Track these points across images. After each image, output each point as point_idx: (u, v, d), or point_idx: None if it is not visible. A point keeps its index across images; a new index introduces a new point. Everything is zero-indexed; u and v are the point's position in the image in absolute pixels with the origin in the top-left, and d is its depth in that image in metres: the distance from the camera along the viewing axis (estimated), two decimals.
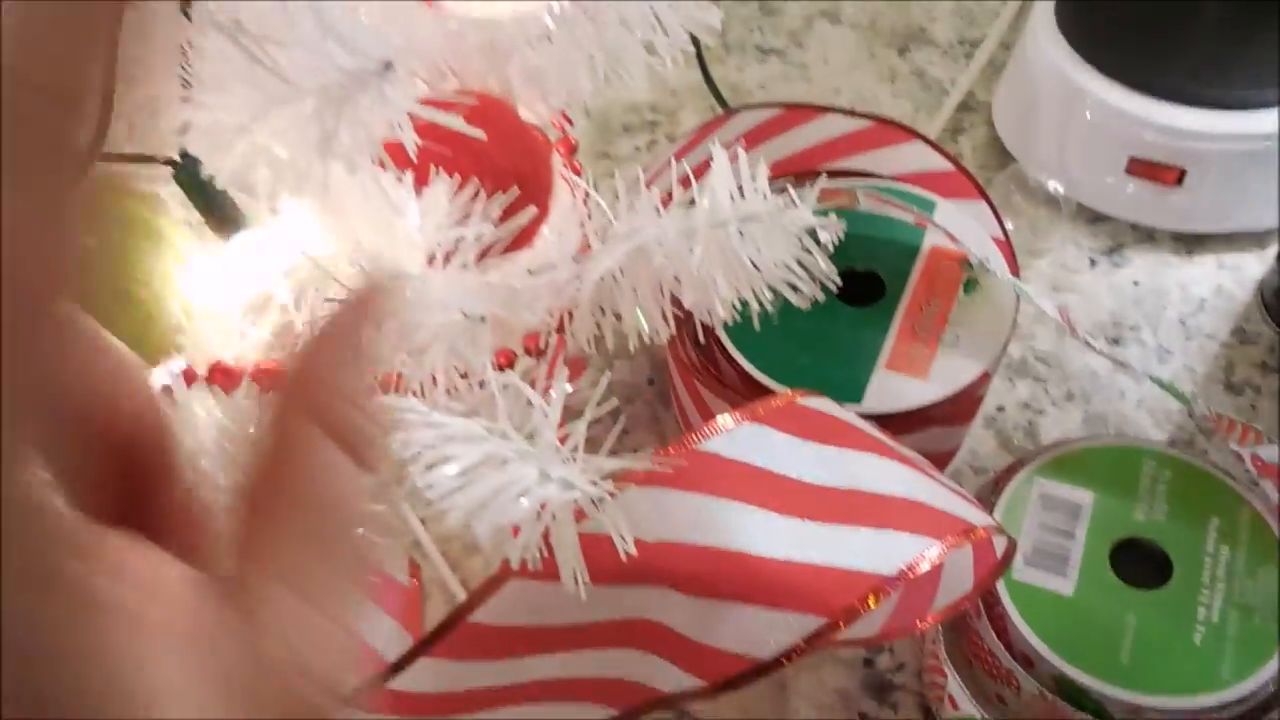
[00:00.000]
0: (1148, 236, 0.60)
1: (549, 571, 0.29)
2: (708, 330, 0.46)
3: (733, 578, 0.32)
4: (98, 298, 0.30)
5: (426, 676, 0.34)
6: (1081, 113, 0.58)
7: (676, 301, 0.36)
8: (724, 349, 0.46)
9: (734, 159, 0.33)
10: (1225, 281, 0.58)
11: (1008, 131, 0.63)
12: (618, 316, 0.36)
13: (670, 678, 0.34)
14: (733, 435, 0.34)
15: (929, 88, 0.68)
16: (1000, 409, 0.54)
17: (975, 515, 0.36)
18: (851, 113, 0.52)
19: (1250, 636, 0.41)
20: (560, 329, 0.36)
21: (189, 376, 0.29)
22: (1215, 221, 0.58)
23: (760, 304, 0.35)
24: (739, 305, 0.35)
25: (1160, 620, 0.42)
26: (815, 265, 0.35)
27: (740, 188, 0.34)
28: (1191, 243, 0.60)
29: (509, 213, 0.30)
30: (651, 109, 0.68)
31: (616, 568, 0.31)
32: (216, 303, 0.30)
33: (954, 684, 0.42)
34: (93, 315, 0.29)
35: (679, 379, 0.49)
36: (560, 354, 0.40)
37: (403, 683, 0.34)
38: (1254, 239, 0.59)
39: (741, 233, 0.33)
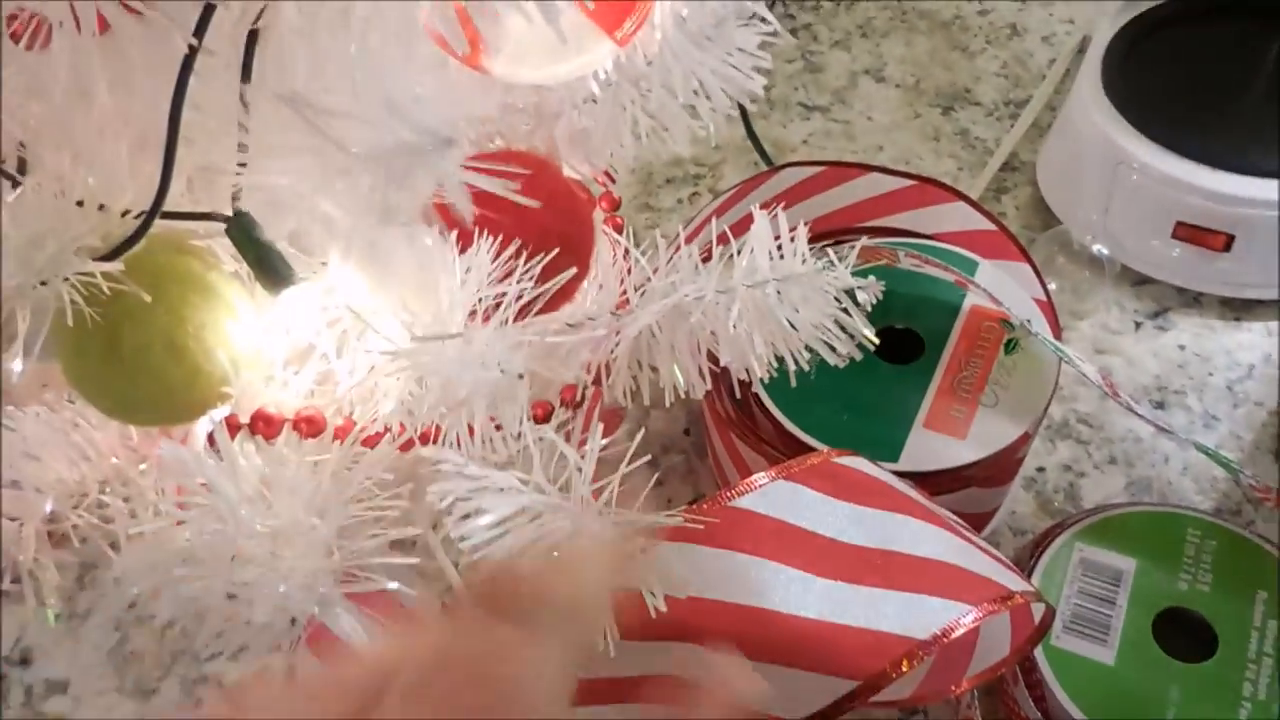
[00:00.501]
0: (1194, 300, 0.59)
1: None
2: (745, 385, 0.47)
3: (764, 638, 0.32)
4: (151, 350, 0.31)
5: None
6: (1127, 176, 0.58)
7: (713, 357, 0.36)
8: (761, 404, 0.46)
9: (774, 220, 0.33)
10: (1275, 349, 0.57)
11: (1052, 193, 0.63)
12: (654, 371, 0.37)
13: None
14: (766, 492, 0.34)
15: (973, 147, 0.68)
16: (1040, 470, 0.53)
17: (1013, 581, 0.36)
18: (895, 172, 0.52)
19: None
20: (596, 382, 0.36)
21: (233, 425, 0.29)
22: (1264, 288, 0.58)
23: (797, 363, 0.35)
24: (775, 363, 0.36)
25: (1204, 695, 0.41)
26: (853, 325, 0.35)
27: (779, 248, 0.34)
28: (1239, 308, 0.59)
29: (550, 270, 0.31)
30: (694, 163, 0.69)
31: (647, 624, 0.31)
32: (262, 353, 0.30)
33: None
34: (146, 366, 0.30)
35: (715, 432, 0.49)
36: (596, 407, 0.41)
37: None
38: None
39: (779, 293, 0.33)
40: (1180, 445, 0.53)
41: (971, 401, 0.46)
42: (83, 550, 0.46)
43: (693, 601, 0.32)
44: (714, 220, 0.36)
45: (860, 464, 0.39)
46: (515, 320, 0.30)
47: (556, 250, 0.31)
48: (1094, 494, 0.52)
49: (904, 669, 0.32)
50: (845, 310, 0.35)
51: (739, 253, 0.34)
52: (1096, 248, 0.57)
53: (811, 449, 0.45)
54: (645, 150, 0.49)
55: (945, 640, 0.32)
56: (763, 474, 0.35)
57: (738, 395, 0.47)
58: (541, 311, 0.30)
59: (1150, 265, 0.59)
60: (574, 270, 0.31)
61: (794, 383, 0.44)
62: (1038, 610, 0.38)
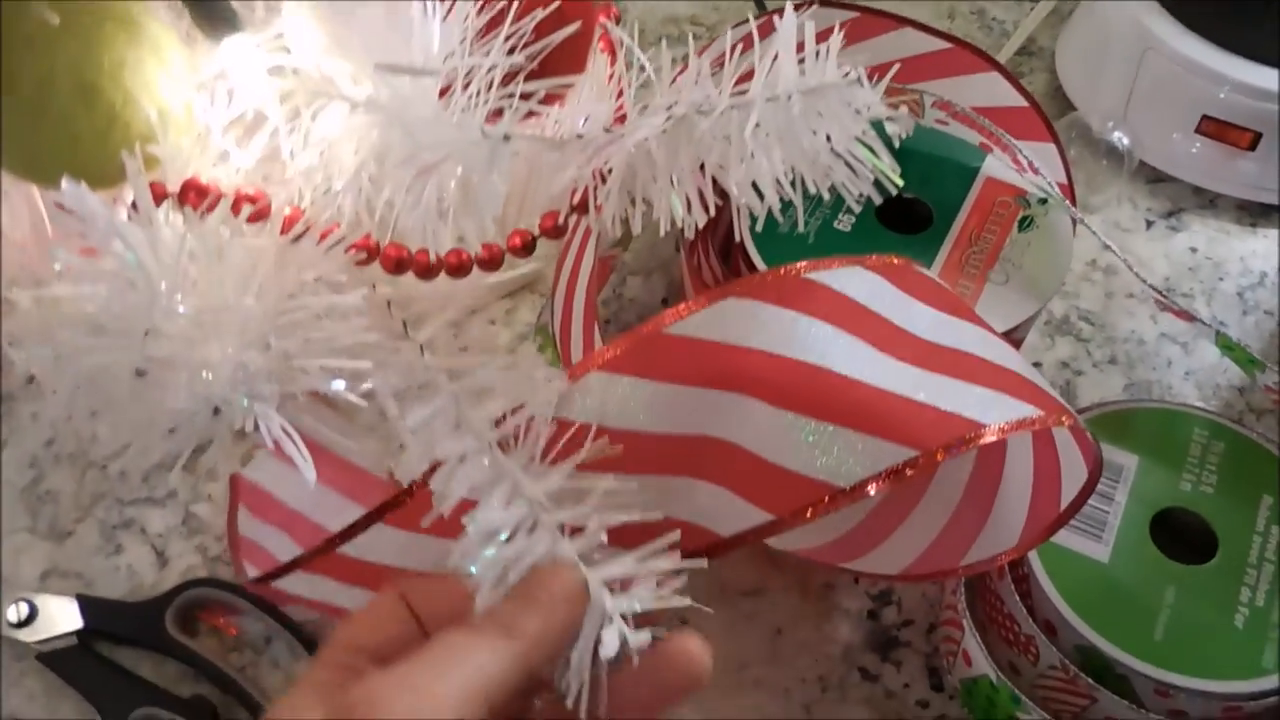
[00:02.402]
0: (1210, 202, 0.56)
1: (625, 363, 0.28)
2: (736, 246, 0.43)
3: (822, 395, 0.29)
4: (56, 86, 0.26)
5: None
6: (1154, 63, 0.54)
7: (718, 189, 0.32)
8: (751, 265, 0.42)
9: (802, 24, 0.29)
10: None
11: (1071, 79, 0.59)
12: (648, 202, 0.32)
13: (732, 515, 0.30)
14: (841, 274, 0.31)
15: (989, 29, 0.64)
16: (1036, 365, 0.50)
17: (1072, 410, 0.33)
18: (930, 30, 0.47)
19: None
20: (581, 207, 0.32)
21: (158, 192, 0.25)
22: None
23: (798, 214, 0.31)
24: (781, 202, 0.31)
25: (1200, 598, 0.38)
26: (875, 163, 0.31)
27: (801, 60, 0.30)
28: (1256, 213, 0.56)
29: (546, 66, 0.26)
30: (691, 22, 0.64)
31: (700, 369, 0.28)
32: (196, 112, 0.26)
33: (971, 639, 0.38)
34: (49, 107, 0.25)
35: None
36: (586, 246, 0.37)
37: None
38: None
39: (802, 107, 0.29)
40: (1185, 350, 0.50)
41: (979, 278, 0.43)
42: None
43: (747, 352, 0.29)
44: (730, 32, 0.31)
45: (936, 278, 0.35)
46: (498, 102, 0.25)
47: (556, 6, 0.26)
48: (1091, 393, 0.49)
49: (970, 442, 0.29)
50: (870, 148, 0.31)
51: (761, 62, 0.29)
52: (1117, 135, 0.53)
53: None
54: (640, 3, 0.44)
55: (1007, 431, 0.29)
56: (836, 258, 0.31)
57: (726, 255, 0.43)
58: (534, 77, 0.26)
59: (1168, 162, 0.55)
60: (579, 23, 0.26)
61: (789, 247, 0.40)
62: (1068, 493, 0.34)
